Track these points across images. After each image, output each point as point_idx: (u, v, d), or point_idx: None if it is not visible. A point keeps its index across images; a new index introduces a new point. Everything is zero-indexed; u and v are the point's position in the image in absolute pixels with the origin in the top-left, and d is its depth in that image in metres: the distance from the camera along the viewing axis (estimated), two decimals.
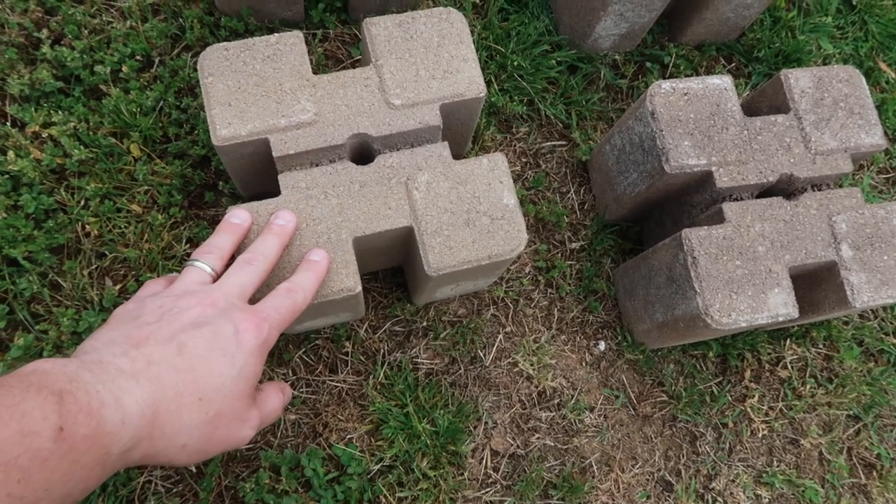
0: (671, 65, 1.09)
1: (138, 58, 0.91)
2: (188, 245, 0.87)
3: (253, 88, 0.73)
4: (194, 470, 0.82)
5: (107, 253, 0.84)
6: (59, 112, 0.87)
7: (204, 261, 0.61)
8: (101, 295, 0.82)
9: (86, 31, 0.91)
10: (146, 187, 0.87)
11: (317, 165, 0.74)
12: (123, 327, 0.52)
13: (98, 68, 0.88)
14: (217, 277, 0.61)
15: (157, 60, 0.93)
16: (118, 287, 0.84)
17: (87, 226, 0.84)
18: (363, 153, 0.77)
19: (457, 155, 0.83)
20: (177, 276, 0.62)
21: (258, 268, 0.61)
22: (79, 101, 0.88)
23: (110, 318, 0.55)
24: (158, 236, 0.86)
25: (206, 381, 0.50)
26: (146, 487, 0.81)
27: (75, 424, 0.40)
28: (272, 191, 0.73)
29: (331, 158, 0.75)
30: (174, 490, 0.81)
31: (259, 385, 0.60)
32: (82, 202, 0.85)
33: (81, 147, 0.85)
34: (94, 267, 0.84)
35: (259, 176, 0.80)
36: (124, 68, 0.89)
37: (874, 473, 1.02)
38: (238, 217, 0.67)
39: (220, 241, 0.64)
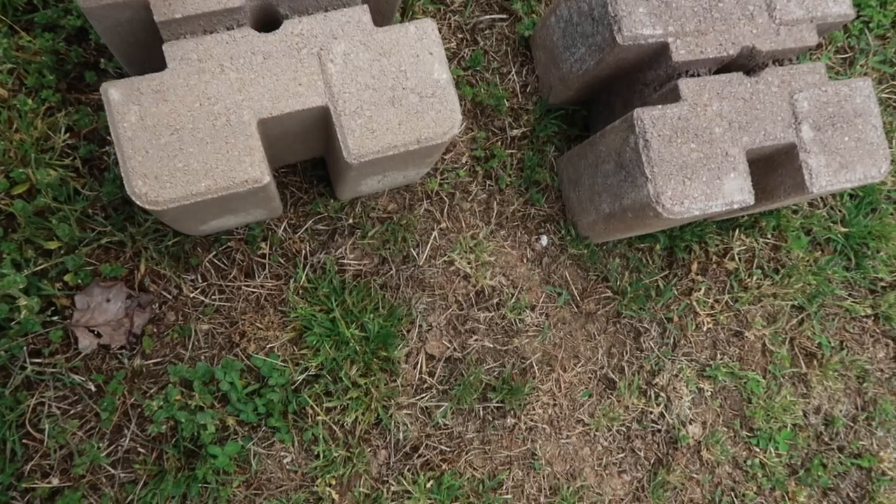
0: None
1: None
2: (68, 135, 0.75)
3: None
4: (93, 389, 0.73)
5: None
6: None
7: None
8: None
9: None
10: (9, 65, 0.73)
11: (210, 33, 0.62)
12: None
13: None
14: None
15: None
16: None
17: None
18: (267, 19, 0.65)
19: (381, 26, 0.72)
20: None
21: None
22: None
23: None
24: (30, 125, 0.73)
25: None
26: (38, 410, 0.72)
27: None
28: (163, 66, 0.61)
29: (227, 24, 0.62)
30: (72, 411, 0.73)
31: None
32: None
33: None
34: None
35: (145, 48, 0.67)
36: None
37: (815, 363, 1.01)
38: None
39: None
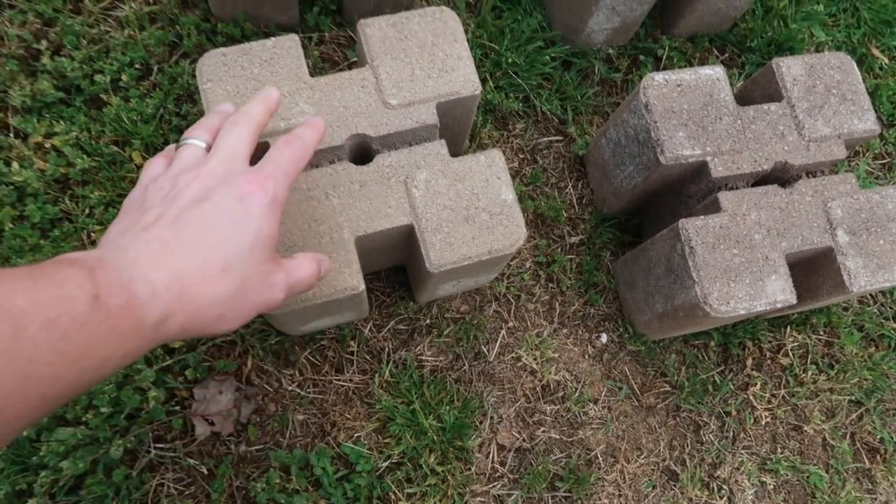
0: (664, 57, 1.10)
1: (137, 66, 0.93)
2: None
3: (251, 93, 0.74)
4: (206, 472, 0.83)
5: None
6: (61, 122, 0.88)
7: (195, 137, 0.59)
8: None
9: (84, 41, 0.92)
10: None
11: (317, 167, 0.75)
12: (131, 215, 0.53)
13: (98, 77, 0.89)
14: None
15: (155, 68, 0.94)
16: None
17: (92, 234, 0.86)
18: (362, 153, 0.78)
19: (454, 153, 0.84)
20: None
21: (246, 126, 0.58)
22: (80, 110, 0.89)
23: (120, 210, 0.56)
24: None
25: (223, 251, 0.50)
26: (159, 490, 0.82)
27: (109, 294, 0.41)
28: None
29: (330, 159, 0.75)
30: (186, 492, 0.82)
31: (294, 255, 0.59)
32: (87, 210, 0.86)
33: (84, 156, 0.86)
34: None
35: None
36: (124, 77, 0.91)
37: (878, 458, 1.03)
38: (225, 108, 0.63)
39: (209, 120, 0.61)
